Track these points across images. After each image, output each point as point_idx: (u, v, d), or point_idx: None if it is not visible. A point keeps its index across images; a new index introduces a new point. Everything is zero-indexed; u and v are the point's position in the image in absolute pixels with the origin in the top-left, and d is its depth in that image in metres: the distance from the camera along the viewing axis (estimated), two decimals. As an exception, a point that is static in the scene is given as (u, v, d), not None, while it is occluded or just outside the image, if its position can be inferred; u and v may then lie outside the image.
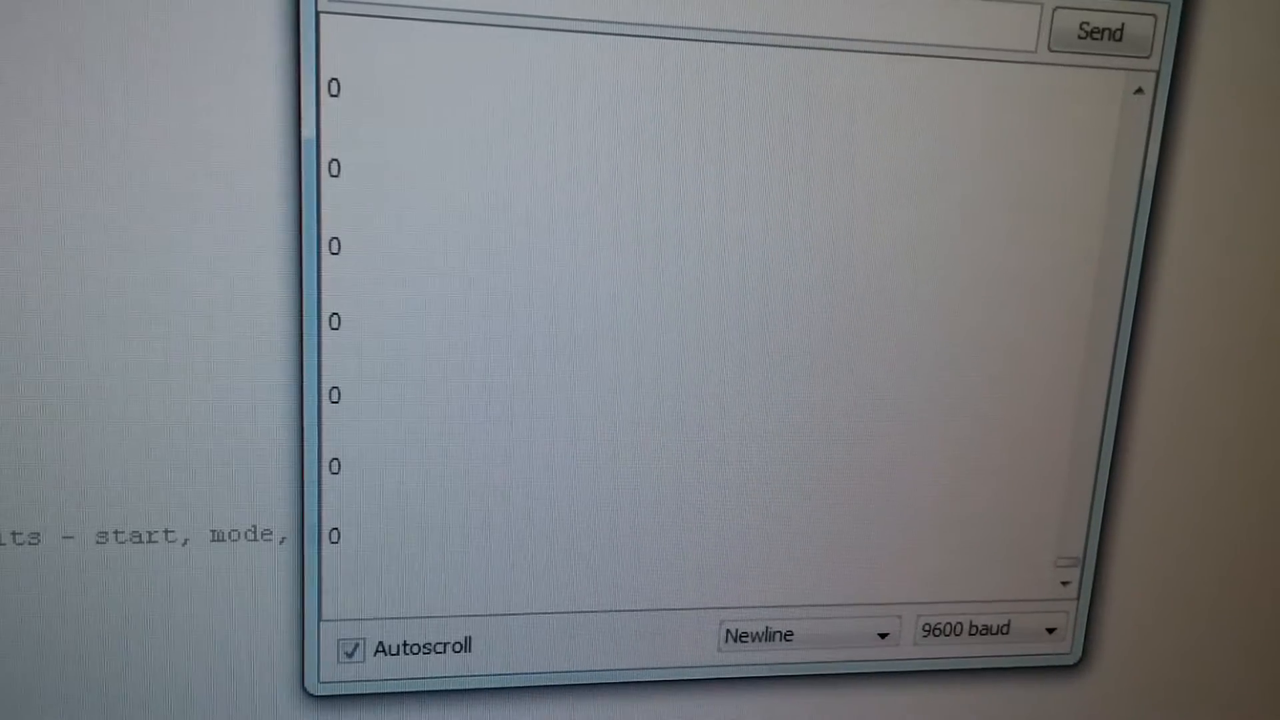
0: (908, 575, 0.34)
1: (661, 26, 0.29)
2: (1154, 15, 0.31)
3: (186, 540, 0.30)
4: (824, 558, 0.33)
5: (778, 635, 0.34)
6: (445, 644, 0.32)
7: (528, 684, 0.33)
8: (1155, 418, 0.34)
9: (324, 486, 0.30)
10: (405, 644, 0.32)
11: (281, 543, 0.30)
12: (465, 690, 0.32)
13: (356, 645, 0.31)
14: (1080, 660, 0.36)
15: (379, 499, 0.31)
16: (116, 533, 0.30)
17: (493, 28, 0.28)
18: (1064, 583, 0.35)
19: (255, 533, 0.30)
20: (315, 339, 0.29)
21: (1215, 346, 0.34)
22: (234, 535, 0.30)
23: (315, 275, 0.29)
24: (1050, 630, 0.35)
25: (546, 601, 0.32)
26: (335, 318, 0.29)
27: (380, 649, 0.32)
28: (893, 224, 0.31)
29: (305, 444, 0.30)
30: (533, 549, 0.32)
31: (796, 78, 0.30)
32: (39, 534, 0.29)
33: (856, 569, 0.34)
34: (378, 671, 0.32)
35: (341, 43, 0.28)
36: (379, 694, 0.32)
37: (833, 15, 0.29)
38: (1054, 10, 0.30)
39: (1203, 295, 0.33)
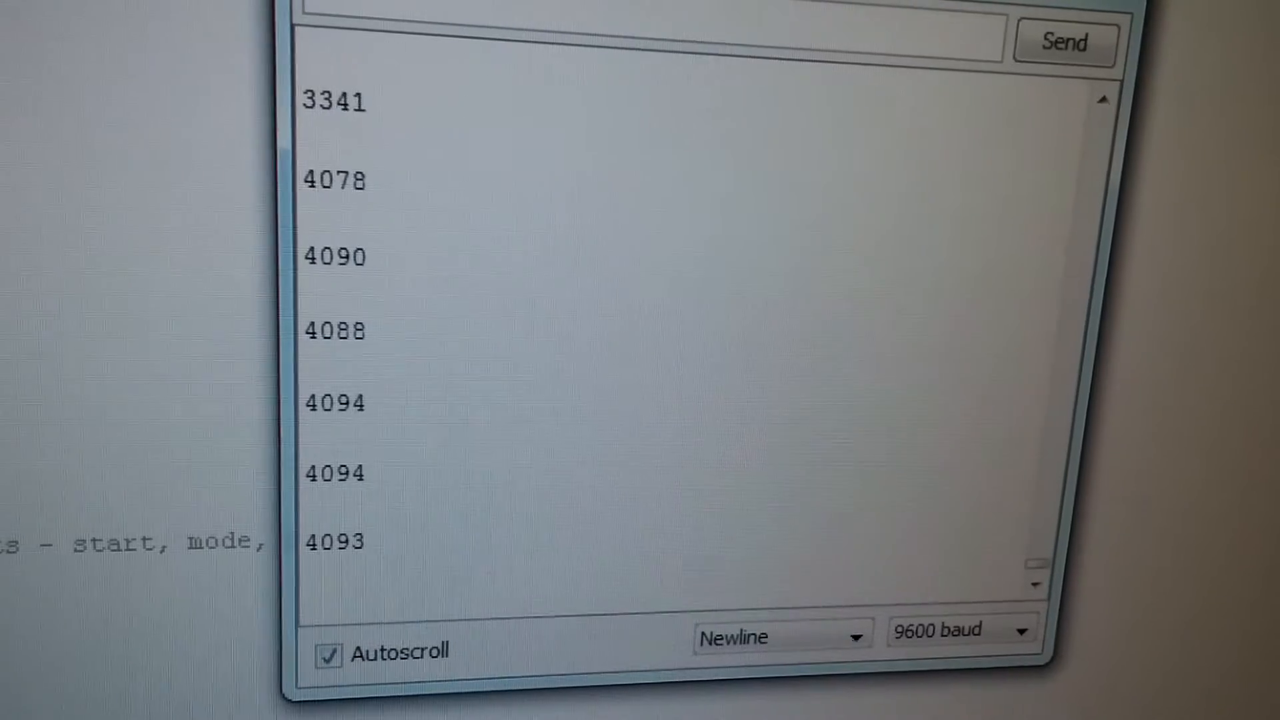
0: (880, 578, 0.34)
1: (631, 38, 0.29)
2: (1117, 25, 0.32)
3: (164, 547, 0.30)
4: (798, 561, 0.34)
5: (752, 638, 0.34)
6: (423, 649, 0.32)
7: (505, 688, 0.33)
8: (1123, 420, 0.34)
9: (301, 493, 0.30)
10: (383, 649, 0.32)
11: (259, 550, 0.31)
12: (443, 694, 0.33)
13: (334, 651, 0.32)
14: (1051, 660, 0.36)
15: (356, 506, 0.31)
16: (94, 540, 0.30)
17: (469, 40, 0.29)
18: (1035, 584, 0.35)
19: (233, 539, 0.30)
20: (292, 346, 0.29)
21: (1181, 350, 0.34)
22: (211, 542, 0.30)
23: (291, 283, 0.29)
24: (1021, 631, 0.36)
25: (523, 606, 0.32)
26: (312, 325, 0.29)
27: (358, 654, 0.32)
28: (860, 232, 0.31)
29: (282, 451, 0.30)
30: (509, 554, 0.32)
31: (765, 88, 0.30)
32: (17, 542, 0.29)
33: (830, 572, 0.34)
34: (356, 677, 0.32)
35: (317, 55, 0.28)
36: (357, 699, 0.32)
37: (800, 26, 0.30)
38: (1019, 21, 0.31)
39: (1168, 300, 0.34)
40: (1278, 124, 0.33)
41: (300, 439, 0.30)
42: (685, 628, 0.33)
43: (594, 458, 0.32)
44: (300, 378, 0.30)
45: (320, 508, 0.31)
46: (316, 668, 0.32)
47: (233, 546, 0.30)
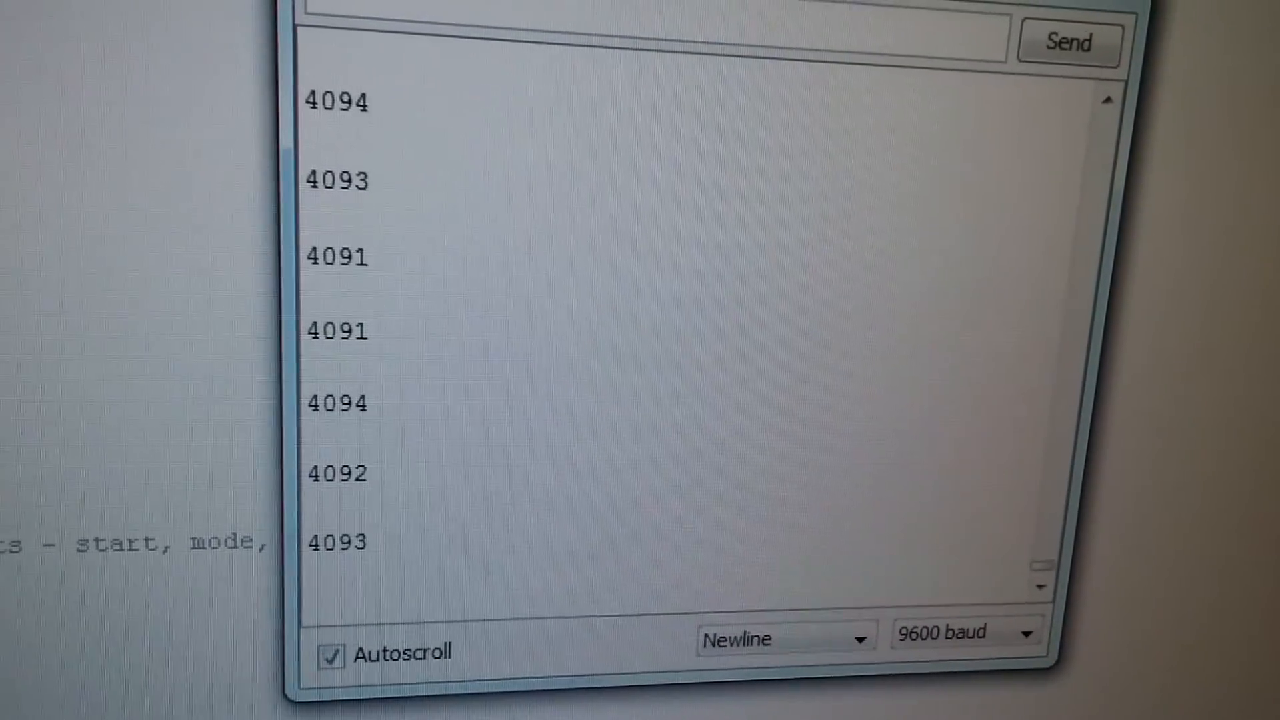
0: (885, 579, 0.34)
1: (634, 38, 0.29)
2: (1122, 25, 0.31)
3: (167, 548, 0.30)
4: (802, 562, 0.34)
5: (756, 640, 0.34)
6: (425, 650, 0.32)
7: (507, 689, 0.33)
8: (1127, 422, 0.34)
9: (303, 494, 0.30)
10: (385, 650, 0.32)
11: (261, 550, 0.31)
12: (445, 695, 0.33)
13: (336, 651, 0.32)
14: (1056, 663, 0.36)
15: (358, 506, 0.31)
16: (97, 540, 0.30)
17: (472, 40, 0.29)
18: (1039, 586, 0.35)
19: (235, 540, 0.30)
20: (294, 347, 0.29)
21: (1185, 352, 0.34)
22: (214, 543, 0.30)
23: (294, 284, 0.29)
24: (1026, 633, 0.35)
25: (526, 607, 0.32)
26: (315, 325, 0.29)
27: (360, 655, 0.32)
28: (864, 232, 0.31)
29: (285, 452, 0.30)
30: (512, 555, 0.32)
31: (768, 88, 0.30)
32: (20, 542, 0.29)
33: (834, 574, 0.34)
34: (358, 678, 0.32)
35: (319, 55, 0.28)
36: (359, 700, 0.32)
37: (804, 26, 0.30)
38: (1023, 21, 0.31)
39: (1172, 301, 0.34)
40: (1283, 124, 0.33)
41: (303, 439, 0.30)
42: (688, 629, 0.33)
43: (596, 459, 0.32)
44: (303, 378, 0.30)
45: (322, 508, 0.31)
46: (319, 668, 0.32)
47: (235, 547, 0.30)
